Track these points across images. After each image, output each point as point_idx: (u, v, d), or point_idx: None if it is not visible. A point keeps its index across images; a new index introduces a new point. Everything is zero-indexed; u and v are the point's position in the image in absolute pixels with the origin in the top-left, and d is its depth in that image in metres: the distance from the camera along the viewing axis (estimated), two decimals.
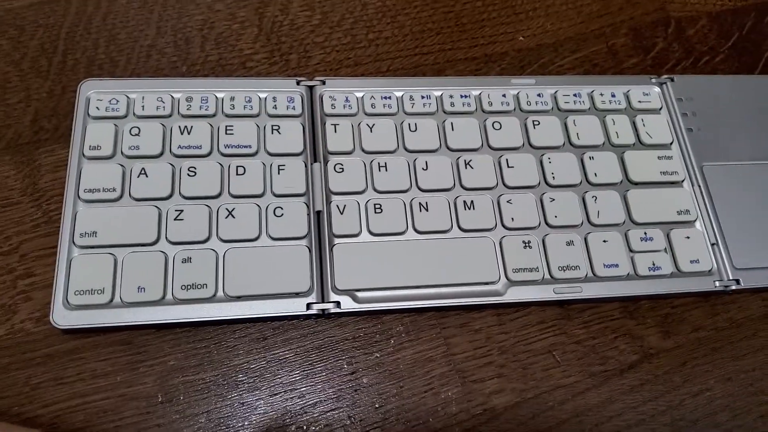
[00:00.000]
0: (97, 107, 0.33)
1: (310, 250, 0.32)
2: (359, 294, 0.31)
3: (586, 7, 0.43)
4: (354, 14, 0.41)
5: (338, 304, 0.31)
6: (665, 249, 0.34)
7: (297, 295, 0.31)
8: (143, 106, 0.34)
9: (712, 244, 0.35)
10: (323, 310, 0.31)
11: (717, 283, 0.34)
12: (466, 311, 0.32)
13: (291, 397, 0.30)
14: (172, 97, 0.34)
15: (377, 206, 0.33)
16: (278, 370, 0.30)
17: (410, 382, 0.31)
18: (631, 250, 0.34)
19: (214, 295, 0.30)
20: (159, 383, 0.29)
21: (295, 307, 0.30)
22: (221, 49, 0.38)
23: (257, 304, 0.30)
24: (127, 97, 0.34)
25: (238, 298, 0.30)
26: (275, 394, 0.30)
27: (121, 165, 0.32)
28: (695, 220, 0.35)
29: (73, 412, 0.28)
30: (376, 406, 0.30)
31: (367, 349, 0.31)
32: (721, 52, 0.42)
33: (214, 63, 0.38)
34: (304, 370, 0.30)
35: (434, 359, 0.31)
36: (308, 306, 0.31)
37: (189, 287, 0.30)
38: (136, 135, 0.33)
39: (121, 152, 0.32)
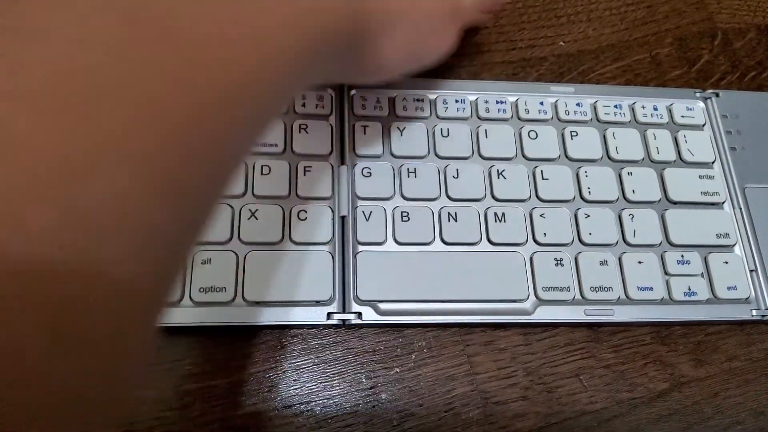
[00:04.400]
0: None
1: (333, 257, 0.30)
2: (381, 305, 0.30)
3: (630, 14, 0.41)
4: None
5: (360, 315, 0.30)
6: (702, 274, 0.33)
7: (318, 303, 0.30)
8: None
9: (751, 271, 0.33)
10: (344, 320, 0.30)
11: (754, 312, 0.32)
12: (491, 329, 0.31)
13: (307, 410, 0.29)
14: None
15: (404, 214, 0.32)
16: (295, 380, 0.29)
17: (430, 401, 0.29)
18: (666, 273, 0.32)
19: (233, 300, 0.29)
20: (172, 388, 0.28)
21: (316, 316, 0.29)
22: None
23: (276, 310, 0.29)
24: None
25: (257, 304, 0.29)
26: (290, 406, 0.29)
27: None
28: (734, 245, 0.34)
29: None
30: (394, 423, 0.29)
31: (387, 363, 0.30)
32: None
33: None
34: (321, 382, 0.29)
35: (456, 377, 0.30)
36: (329, 315, 0.30)
37: (207, 290, 0.29)
38: None
39: None
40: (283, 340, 0.30)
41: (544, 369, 0.31)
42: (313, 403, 0.29)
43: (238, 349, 0.29)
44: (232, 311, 0.29)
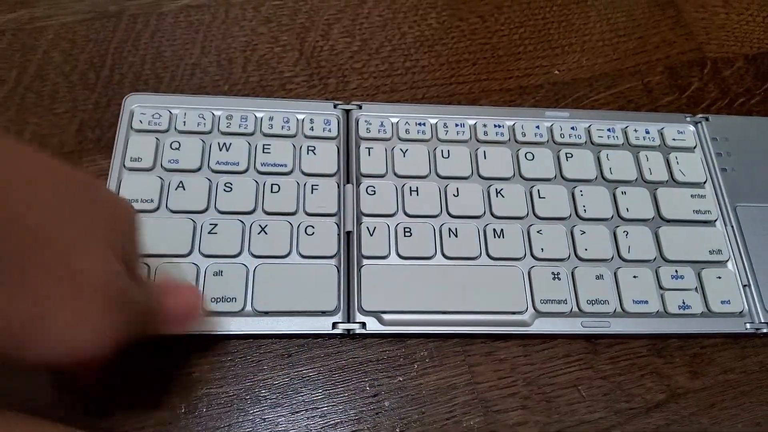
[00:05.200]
0: (140, 120, 0.35)
1: (338, 270, 0.32)
2: (385, 316, 0.31)
3: (622, 44, 0.43)
4: (392, 42, 0.41)
5: (364, 325, 0.31)
6: (696, 288, 0.34)
7: (323, 313, 0.31)
8: (185, 122, 0.35)
9: (744, 286, 0.34)
10: (349, 330, 0.31)
11: (748, 326, 0.33)
12: (491, 340, 0.32)
13: (312, 416, 0.30)
14: (213, 114, 0.35)
15: (407, 230, 0.33)
16: (301, 387, 0.30)
17: (432, 409, 0.30)
18: (661, 287, 0.34)
19: (242, 309, 0.30)
20: (182, 394, 0.30)
21: (321, 325, 0.31)
22: (262, 70, 0.39)
23: (284, 320, 0.31)
24: (170, 112, 0.35)
25: (266, 314, 0.30)
26: (297, 412, 0.30)
27: (160, 177, 0.33)
28: (727, 261, 0.35)
29: (95, 419, 0.29)
30: (397, 430, 0.30)
31: (390, 372, 0.31)
32: (757, 94, 0.42)
33: (255, 84, 0.39)
34: (326, 390, 0.30)
35: (457, 387, 0.31)
36: (334, 325, 0.31)
37: (219, 300, 0.30)
38: (176, 149, 0.34)
39: (161, 165, 0.33)
40: (290, 349, 0.31)
41: (543, 379, 0.32)
42: (319, 410, 0.30)
43: (246, 357, 0.31)
44: (242, 321, 0.30)
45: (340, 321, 0.31)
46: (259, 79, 0.39)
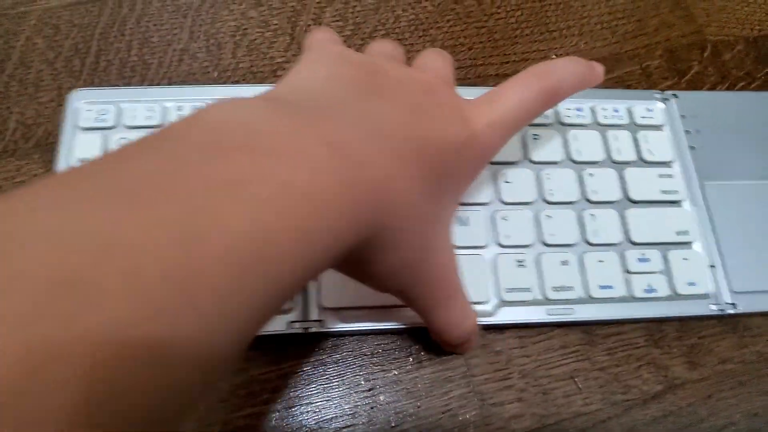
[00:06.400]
0: (85, 118, 0.33)
1: None
2: (344, 312, 0.30)
3: (621, 27, 0.42)
4: (386, 26, 0.40)
5: (322, 322, 0.30)
6: (662, 270, 0.33)
7: (284, 312, 0.30)
8: (134, 116, 0.34)
9: (711, 267, 0.34)
10: (306, 328, 0.30)
11: (713, 307, 0.33)
12: (486, 332, 0.32)
13: (306, 411, 0.29)
14: (163, 106, 0.34)
15: None
16: (295, 382, 0.30)
17: (428, 402, 0.30)
18: (627, 271, 0.33)
19: None
20: None
21: (277, 325, 0.30)
22: (253, 56, 0.38)
23: None
24: (118, 107, 0.34)
25: None
26: (291, 407, 0.29)
27: None
28: (694, 241, 0.34)
29: None
30: (393, 424, 0.29)
31: (385, 365, 0.31)
32: (758, 78, 0.41)
33: (246, 70, 0.38)
34: (320, 384, 0.30)
35: (453, 380, 0.31)
36: (289, 324, 0.30)
37: None
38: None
39: None
40: (284, 344, 0.31)
41: (539, 371, 0.31)
42: (313, 405, 0.29)
43: None
44: None
45: (296, 320, 0.30)
46: (250, 65, 0.38)
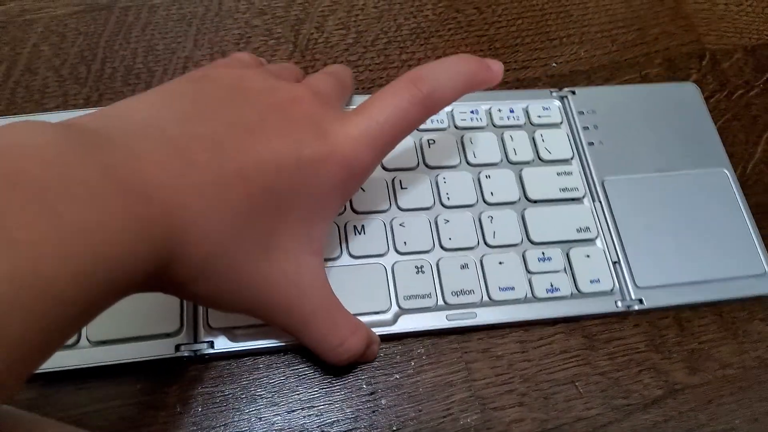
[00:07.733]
0: None
1: None
2: (236, 331, 0.30)
3: (621, 36, 0.43)
4: (388, 35, 0.41)
5: (212, 344, 0.29)
6: (564, 269, 0.33)
7: (167, 335, 0.29)
8: None
9: (614, 263, 0.34)
10: (195, 351, 0.29)
11: (619, 304, 0.33)
12: (488, 336, 0.32)
13: (309, 415, 0.29)
14: None
15: None
16: (297, 386, 0.30)
17: (429, 406, 0.30)
18: (528, 272, 0.33)
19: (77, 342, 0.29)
20: (177, 393, 0.29)
21: (164, 349, 0.29)
22: None
23: (126, 347, 0.29)
24: None
25: (103, 343, 0.29)
26: (293, 411, 0.30)
27: None
28: (596, 238, 0.34)
29: (93, 418, 0.29)
30: (394, 428, 0.30)
31: (386, 369, 0.31)
32: (756, 86, 0.42)
33: None
34: (322, 388, 0.30)
35: (454, 384, 0.31)
36: (177, 348, 0.29)
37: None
38: None
39: None
40: (288, 347, 0.31)
41: (540, 376, 0.32)
42: (315, 409, 0.30)
43: (241, 355, 0.30)
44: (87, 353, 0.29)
45: (184, 342, 0.29)
46: None
